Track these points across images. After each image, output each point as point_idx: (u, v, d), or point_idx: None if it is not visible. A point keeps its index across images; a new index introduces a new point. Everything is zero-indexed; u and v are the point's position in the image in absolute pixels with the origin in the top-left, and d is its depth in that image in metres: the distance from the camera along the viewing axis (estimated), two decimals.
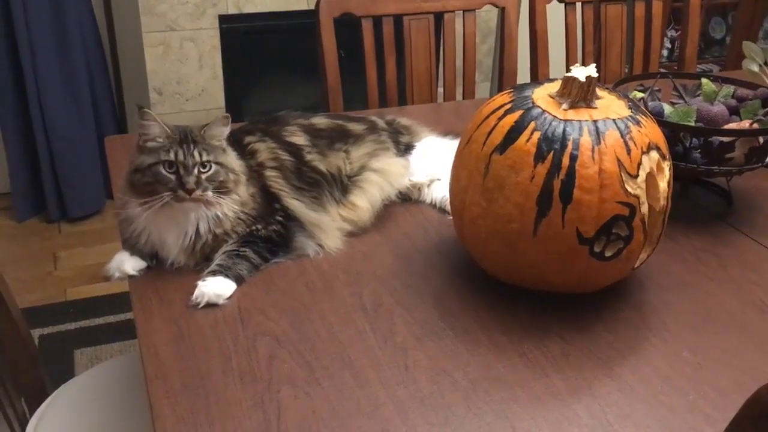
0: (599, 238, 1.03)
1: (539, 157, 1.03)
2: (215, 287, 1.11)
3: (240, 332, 1.05)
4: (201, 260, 1.18)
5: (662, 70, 2.07)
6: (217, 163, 1.16)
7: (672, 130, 1.31)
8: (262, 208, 1.22)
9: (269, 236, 1.21)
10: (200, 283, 1.11)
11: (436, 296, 1.14)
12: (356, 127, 1.39)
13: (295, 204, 1.25)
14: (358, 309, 1.11)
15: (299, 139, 1.32)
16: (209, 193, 1.14)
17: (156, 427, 0.89)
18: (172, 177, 1.13)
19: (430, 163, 1.40)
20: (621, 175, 1.02)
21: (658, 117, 1.31)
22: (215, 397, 0.94)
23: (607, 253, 1.05)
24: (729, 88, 1.48)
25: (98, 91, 2.89)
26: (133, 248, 1.19)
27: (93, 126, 2.86)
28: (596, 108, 1.08)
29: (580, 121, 1.05)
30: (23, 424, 1.31)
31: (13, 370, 1.33)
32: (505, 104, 1.10)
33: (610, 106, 1.09)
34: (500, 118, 1.09)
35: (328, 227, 1.26)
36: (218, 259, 1.16)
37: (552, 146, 1.03)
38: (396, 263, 1.23)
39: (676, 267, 1.23)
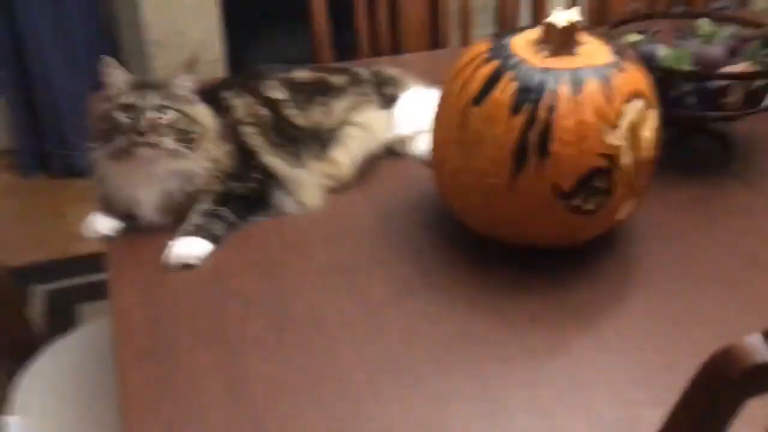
0: (578, 192, 1.00)
1: (515, 108, 0.99)
2: (189, 248, 1.10)
3: (212, 293, 1.04)
4: (177, 219, 1.16)
5: (664, 10, 1.98)
6: (177, 111, 1.13)
7: (664, 76, 1.25)
8: (239, 166, 1.20)
9: (246, 194, 1.18)
10: (173, 243, 1.10)
11: (416, 254, 1.12)
12: (338, 80, 1.35)
13: (274, 161, 1.22)
14: (335, 268, 1.09)
15: (278, 93, 1.28)
16: (167, 141, 1.11)
17: (120, 391, 0.89)
18: (128, 121, 1.10)
19: (415, 115, 1.36)
20: (601, 126, 0.98)
21: (648, 62, 1.26)
22: (182, 361, 0.93)
23: (587, 207, 1.01)
24: (730, 29, 1.41)
25: (96, 45, 2.85)
26: (109, 207, 1.17)
27: (92, 80, 2.83)
28: (578, 56, 1.03)
29: (558, 69, 1.00)
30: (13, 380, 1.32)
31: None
32: (482, 53, 1.05)
33: (593, 52, 1.04)
34: (477, 68, 1.04)
35: (307, 184, 1.23)
36: (193, 218, 1.14)
37: (528, 97, 0.98)
38: (376, 221, 1.20)
39: (666, 218, 1.19)
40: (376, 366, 0.92)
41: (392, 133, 1.35)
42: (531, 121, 0.98)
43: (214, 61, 2.91)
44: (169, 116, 1.13)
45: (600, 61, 1.01)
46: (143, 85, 1.14)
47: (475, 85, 1.03)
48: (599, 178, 1.00)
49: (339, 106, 1.30)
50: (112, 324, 0.99)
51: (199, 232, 1.12)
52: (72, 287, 2.41)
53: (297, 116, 1.26)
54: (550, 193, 0.99)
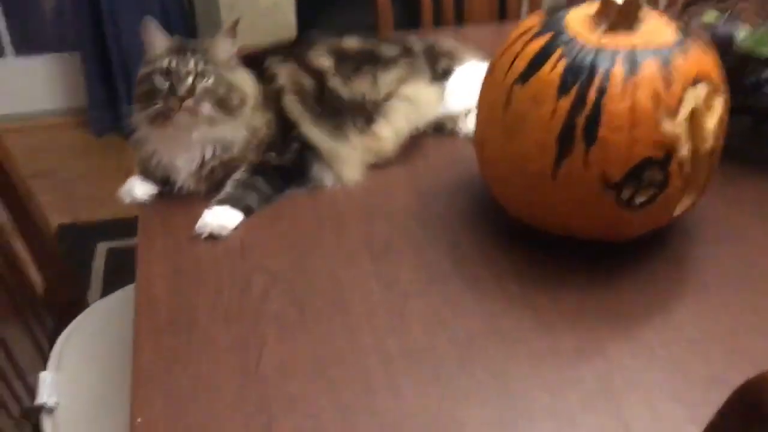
0: (627, 183, 0.92)
1: (563, 89, 0.91)
2: (220, 218, 1.07)
3: (238, 267, 1.01)
4: (212, 187, 1.14)
5: None
6: (217, 76, 1.10)
7: (741, 59, 1.14)
8: (278, 135, 1.16)
9: (283, 165, 1.15)
10: (206, 212, 1.08)
11: (453, 239, 1.06)
12: (389, 51, 1.29)
13: (314, 132, 1.18)
14: (366, 249, 1.05)
15: (324, 62, 1.23)
16: (205, 106, 1.09)
17: (134, 361, 0.87)
18: (166, 85, 1.08)
19: (468, 92, 1.28)
20: (657, 113, 0.89)
21: (724, 43, 1.15)
22: (199, 335, 0.91)
23: (638, 201, 0.93)
24: None
25: (169, 5, 2.87)
26: (146, 172, 1.16)
27: None
28: (637, 34, 0.94)
29: (614, 49, 0.91)
30: (53, 341, 1.34)
31: (40, 288, 1.35)
32: (534, 27, 0.98)
33: (655, 31, 0.95)
34: (526, 44, 0.97)
35: (347, 158, 1.19)
36: (228, 186, 1.12)
37: (578, 77, 0.91)
38: (415, 201, 1.14)
39: (730, 216, 1.10)
40: (395, 355, 0.87)
41: (442, 109, 1.29)
42: (579, 103, 0.90)
43: (286, 27, 2.89)
44: (209, 82, 1.10)
45: (661, 41, 0.92)
46: (184, 49, 1.11)
47: (522, 62, 0.95)
48: (652, 170, 0.91)
49: (387, 78, 1.25)
50: (136, 293, 0.97)
51: (232, 201, 1.09)
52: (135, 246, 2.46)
53: (341, 87, 1.22)
54: (597, 183, 0.92)
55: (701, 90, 0.92)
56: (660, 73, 0.90)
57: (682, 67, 0.91)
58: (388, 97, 1.24)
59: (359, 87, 1.23)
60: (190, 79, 1.08)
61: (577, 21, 0.96)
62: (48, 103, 3.04)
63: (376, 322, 0.92)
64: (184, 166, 1.13)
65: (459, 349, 0.88)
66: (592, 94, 0.90)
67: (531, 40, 0.96)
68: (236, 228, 1.08)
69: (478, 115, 1.05)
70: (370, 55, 1.27)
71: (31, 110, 3.00)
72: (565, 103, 0.91)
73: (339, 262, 1.02)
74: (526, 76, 0.94)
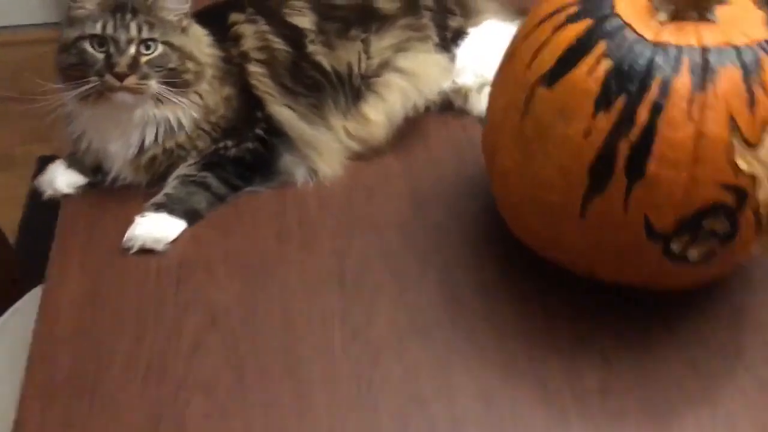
0: (680, 234, 0.68)
1: (604, 101, 0.66)
2: (154, 229, 0.85)
3: (169, 299, 0.80)
4: (155, 178, 0.91)
5: None
6: (166, 44, 0.86)
7: None
8: (237, 117, 0.93)
9: (241, 156, 0.92)
10: (137, 220, 0.86)
11: (446, 268, 0.83)
12: (387, 5, 1.02)
13: (285, 113, 0.94)
14: (336, 276, 0.82)
15: (304, 20, 0.98)
16: (152, 84, 0.86)
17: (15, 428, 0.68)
18: (100, 57, 0.84)
19: (485, 60, 1.02)
20: (732, 143, 0.64)
21: None
22: (103, 399, 0.70)
23: (692, 256, 0.69)
24: None
25: None
26: (73, 158, 0.93)
27: None
28: (714, 23, 0.68)
29: (680, 46, 0.66)
30: None
31: None
32: (571, 5, 0.72)
33: (740, 21, 0.68)
34: (557, 29, 0.71)
35: (326, 147, 0.95)
36: (168, 186, 0.89)
37: (626, 86, 0.65)
38: (408, 207, 0.91)
39: None
40: None
41: (449, 81, 1.03)
42: (625, 123, 0.65)
43: None
44: (156, 52, 0.86)
45: (749, 37, 0.66)
46: (122, 6, 0.86)
47: (550, 55, 0.70)
48: (717, 218, 0.67)
49: (381, 43, 0.99)
50: (34, 330, 0.77)
51: (171, 206, 0.87)
52: None
53: (323, 54, 0.96)
54: (639, 231, 0.68)
55: None
56: (742, 86, 0.64)
57: None
58: (382, 69, 0.98)
59: (345, 55, 0.97)
60: (132, 50, 0.85)
61: (631, 3, 0.70)
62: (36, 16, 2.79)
63: (335, 393, 0.71)
64: (119, 152, 0.90)
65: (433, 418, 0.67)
66: (643, 113, 0.65)
67: (564, 24, 0.70)
68: (177, 239, 0.86)
69: (488, 116, 0.81)
70: (363, 12, 1.01)
71: (15, 23, 2.75)
72: (605, 121, 0.66)
73: (300, 294, 0.80)
74: (553, 76, 0.69)
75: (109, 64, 0.84)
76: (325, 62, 0.96)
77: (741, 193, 0.66)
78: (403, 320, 0.78)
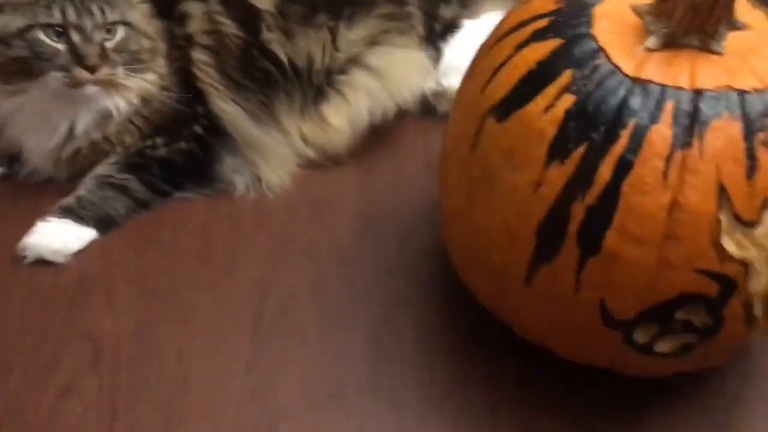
0: (646, 325, 0.53)
1: (559, 148, 0.51)
2: (54, 237, 0.74)
3: (53, 328, 0.69)
4: (77, 173, 0.80)
5: None
6: (125, 24, 0.75)
7: None
8: (173, 111, 0.80)
9: (170, 159, 0.80)
10: (38, 225, 0.75)
11: (382, 316, 0.70)
12: None
13: (229, 110, 0.82)
14: (251, 315, 0.70)
15: (263, 1, 0.84)
16: (119, 71, 0.75)
17: None
18: (62, 48, 0.73)
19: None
20: (719, 220, 0.49)
21: None
22: None
23: (661, 349, 0.54)
24: None
25: None
26: None
27: None
28: (719, 56, 0.52)
29: (664, 86, 0.50)
30: None
31: None
32: (540, 17, 0.57)
33: (755, 53, 0.53)
34: (520, 47, 0.56)
35: (274, 152, 0.82)
36: (81, 188, 0.78)
37: (589, 132, 0.51)
38: (354, 232, 0.78)
39: None
40: None
41: (431, 83, 0.89)
42: (583, 179, 0.51)
43: None
44: (118, 36, 0.75)
45: (762, 80, 0.51)
46: None
47: (507, 80, 0.55)
48: (693, 310, 0.52)
49: (351, 34, 0.85)
50: None
51: (80, 213, 0.76)
52: None
53: (278, 42, 0.83)
54: (593, 313, 0.54)
55: None
56: (741, 146, 0.49)
57: None
58: (349, 64, 0.84)
59: (306, 45, 0.83)
60: (98, 37, 0.73)
61: (614, 18, 0.55)
62: None
63: None
64: (40, 143, 0.79)
65: None
66: (606, 170, 0.50)
67: (527, 42, 0.55)
68: (82, 251, 0.75)
69: (443, 142, 0.66)
70: None
71: None
72: (559, 174, 0.51)
73: (205, 332, 0.69)
74: (505, 107, 0.55)
75: (78, 56, 0.73)
76: (281, 52, 0.83)
77: (727, 282, 0.50)
78: (318, 380, 0.65)
